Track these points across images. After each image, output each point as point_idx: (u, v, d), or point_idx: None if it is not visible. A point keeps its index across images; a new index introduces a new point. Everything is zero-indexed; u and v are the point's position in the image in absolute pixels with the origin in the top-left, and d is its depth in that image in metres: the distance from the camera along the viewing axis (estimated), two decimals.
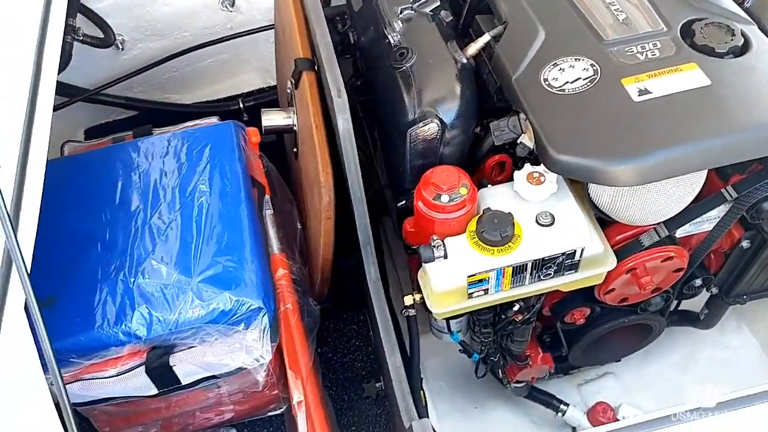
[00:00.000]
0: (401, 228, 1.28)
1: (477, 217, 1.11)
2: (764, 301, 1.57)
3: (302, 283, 1.40)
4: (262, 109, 1.60)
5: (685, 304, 1.65)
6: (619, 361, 1.83)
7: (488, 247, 1.09)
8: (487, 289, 1.16)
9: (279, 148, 1.89)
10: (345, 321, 1.70)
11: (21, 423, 0.82)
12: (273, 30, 2.13)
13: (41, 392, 0.83)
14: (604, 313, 1.45)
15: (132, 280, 1.16)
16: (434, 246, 1.09)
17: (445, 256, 1.10)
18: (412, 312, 1.33)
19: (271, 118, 1.58)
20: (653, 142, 1.00)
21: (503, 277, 1.14)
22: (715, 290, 1.51)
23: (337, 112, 1.07)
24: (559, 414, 1.77)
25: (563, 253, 1.12)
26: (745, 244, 1.34)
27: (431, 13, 1.29)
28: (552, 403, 1.77)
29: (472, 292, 1.16)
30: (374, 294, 1.19)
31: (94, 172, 1.34)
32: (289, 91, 1.64)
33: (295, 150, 1.64)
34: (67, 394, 0.82)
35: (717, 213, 1.25)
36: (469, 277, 1.11)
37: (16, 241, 0.79)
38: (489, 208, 1.10)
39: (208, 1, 2.08)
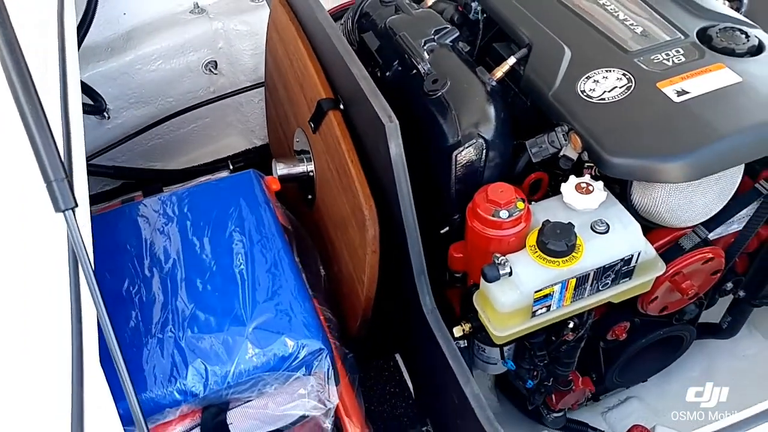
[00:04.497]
0: (443, 255, 1.26)
1: (536, 231, 1.10)
2: None
3: (335, 329, 1.34)
4: (274, 160, 1.58)
5: (703, 316, 1.66)
6: (646, 381, 1.82)
7: (553, 259, 1.08)
8: (550, 306, 1.14)
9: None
10: (375, 369, 1.63)
11: None
12: (257, 90, 2.15)
13: None
14: (642, 326, 1.45)
15: (180, 335, 1.07)
16: (499, 264, 1.07)
17: (510, 274, 1.08)
18: (462, 343, 1.29)
19: (287, 167, 1.55)
20: (703, 137, 1.03)
21: (566, 290, 1.12)
22: (742, 293, 1.53)
23: (390, 138, 1.06)
24: None
25: (622, 259, 1.12)
26: None
27: (451, 44, 1.32)
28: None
29: (536, 310, 1.13)
30: (434, 324, 1.15)
31: (118, 231, 1.26)
32: (298, 140, 1.62)
33: (309, 197, 1.61)
34: None
35: (747, 212, 1.29)
36: (536, 292, 1.09)
37: (102, 298, 0.73)
38: (548, 220, 1.10)
39: (192, 65, 2.06)
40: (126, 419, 0.79)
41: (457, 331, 1.27)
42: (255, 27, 2.00)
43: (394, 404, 1.56)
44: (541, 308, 1.13)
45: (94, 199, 1.98)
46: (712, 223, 1.24)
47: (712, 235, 1.29)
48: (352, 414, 1.23)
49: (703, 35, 1.20)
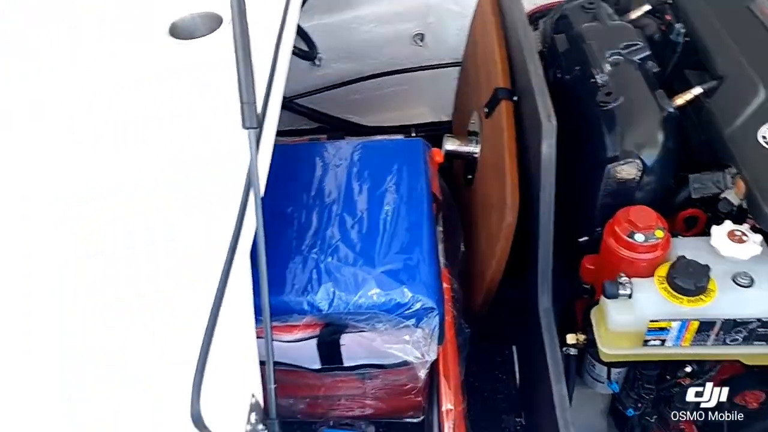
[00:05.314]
0: (578, 264, 1.28)
1: (670, 263, 1.09)
2: None
3: (458, 301, 1.43)
4: (445, 135, 1.69)
5: None
6: None
7: (678, 295, 1.06)
8: (665, 340, 1.12)
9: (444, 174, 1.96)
10: (491, 352, 1.71)
11: (227, 368, 0.89)
12: (455, 68, 2.26)
13: (250, 341, 0.91)
14: None
15: (322, 258, 1.26)
16: (621, 282, 1.09)
17: (630, 296, 1.09)
18: (572, 351, 1.31)
19: (455, 144, 1.66)
20: None
21: (686, 331, 1.10)
22: None
23: (544, 137, 1.11)
24: None
25: (759, 320, 1.07)
26: None
27: (639, 62, 1.31)
28: None
29: (648, 340, 1.12)
30: (545, 323, 1.20)
31: (297, 162, 1.48)
32: (473, 122, 1.72)
33: (469, 177, 1.70)
34: (272, 347, 0.90)
35: None
36: (651, 322, 1.09)
37: (262, 206, 0.89)
38: (684, 256, 1.08)
39: (401, 33, 2.23)
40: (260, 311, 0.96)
41: (570, 339, 1.28)
42: (465, 9, 2.09)
43: (496, 388, 1.63)
44: (655, 340, 1.12)
45: (292, 133, 2.29)
46: None
47: None
48: (451, 377, 1.33)
49: None
